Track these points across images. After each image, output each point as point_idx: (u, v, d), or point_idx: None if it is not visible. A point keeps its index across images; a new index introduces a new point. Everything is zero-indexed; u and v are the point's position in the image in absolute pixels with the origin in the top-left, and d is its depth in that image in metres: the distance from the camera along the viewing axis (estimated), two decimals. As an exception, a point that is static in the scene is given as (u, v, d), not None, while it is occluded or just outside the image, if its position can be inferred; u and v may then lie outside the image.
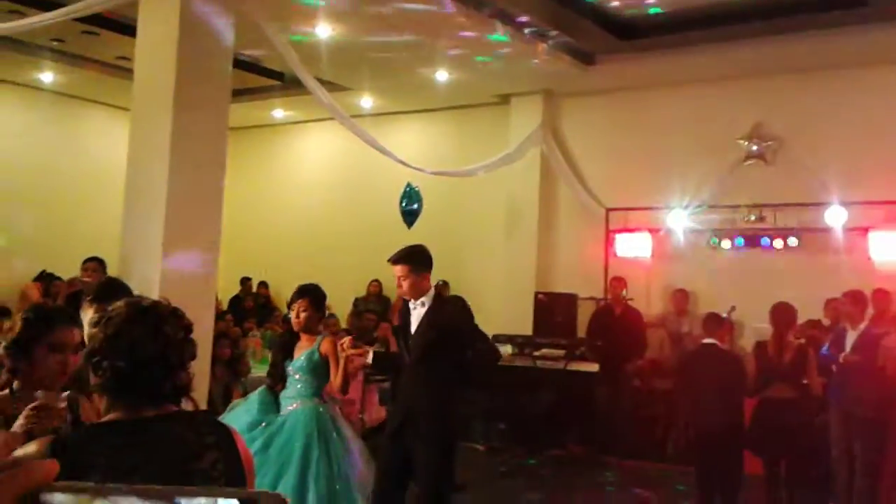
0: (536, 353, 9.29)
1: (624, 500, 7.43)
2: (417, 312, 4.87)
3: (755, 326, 8.20)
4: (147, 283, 6.34)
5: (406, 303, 4.99)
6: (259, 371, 8.04)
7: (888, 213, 8.87)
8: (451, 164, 10.67)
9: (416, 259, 4.93)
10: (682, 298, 9.72)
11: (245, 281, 12.95)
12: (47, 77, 11.64)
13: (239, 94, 10.36)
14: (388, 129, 11.89)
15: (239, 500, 0.77)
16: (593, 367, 9.11)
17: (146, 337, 1.84)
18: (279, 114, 13.35)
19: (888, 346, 7.11)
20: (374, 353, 7.20)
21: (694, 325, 9.37)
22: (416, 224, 10.16)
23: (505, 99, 11.46)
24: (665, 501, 7.36)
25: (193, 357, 1.95)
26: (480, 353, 5.06)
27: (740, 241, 9.64)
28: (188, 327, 1.97)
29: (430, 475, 4.67)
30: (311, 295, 5.19)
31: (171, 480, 1.70)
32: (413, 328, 4.86)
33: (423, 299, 4.85)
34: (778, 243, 9.42)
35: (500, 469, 8.23)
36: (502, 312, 10.32)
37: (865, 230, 8.98)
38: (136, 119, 6.87)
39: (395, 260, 4.92)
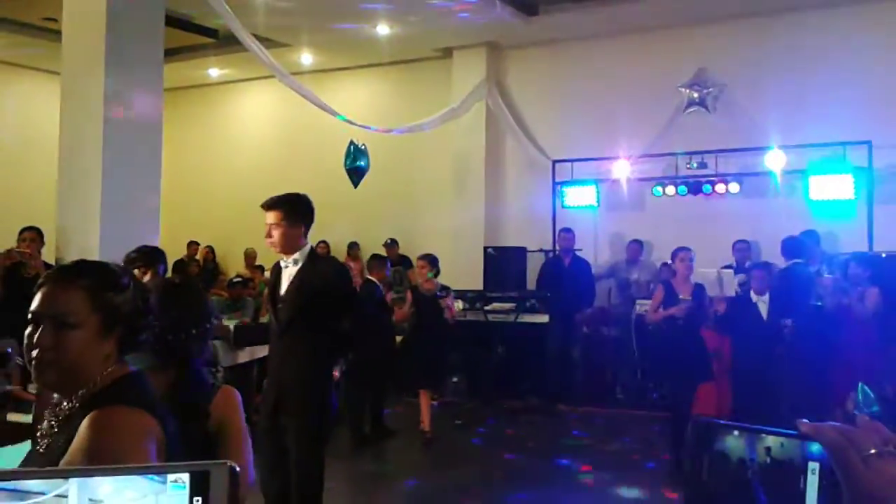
0: (487, 307, 9.34)
1: (576, 447, 7.58)
2: (289, 272, 4.28)
3: (701, 271, 8.36)
4: (86, 251, 6.17)
5: (278, 262, 4.39)
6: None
7: (824, 155, 9.05)
8: (396, 120, 10.55)
9: (293, 207, 4.27)
10: (636, 249, 9.86)
11: (192, 245, 12.69)
12: (-31, 41, 11.13)
13: (172, 53, 10.03)
14: (330, 85, 11.70)
15: (190, 472, 0.76)
16: (544, 318, 9.21)
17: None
18: (215, 72, 13.00)
19: None
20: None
21: (643, 274, 9.55)
22: (362, 182, 10.05)
23: (448, 52, 11.34)
24: (616, 443, 7.54)
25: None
26: (336, 336, 4.31)
27: (683, 188, 9.77)
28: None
29: (302, 460, 4.12)
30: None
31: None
32: (283, 290, 4.27)
33: (295, 256, 4.25)
34: (720, 188, 9.57)
35: (455, 422, 8.31)
36: (452, 268, 10.32)
37: (804, 173, 9.16)
38: (66, 82, 6.61)
39: (269, 205, 4.25)
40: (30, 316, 1.77)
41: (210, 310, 2.64)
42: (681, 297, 6.60)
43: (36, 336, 1.73)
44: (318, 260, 4.46)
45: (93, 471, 0.78)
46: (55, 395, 1.80)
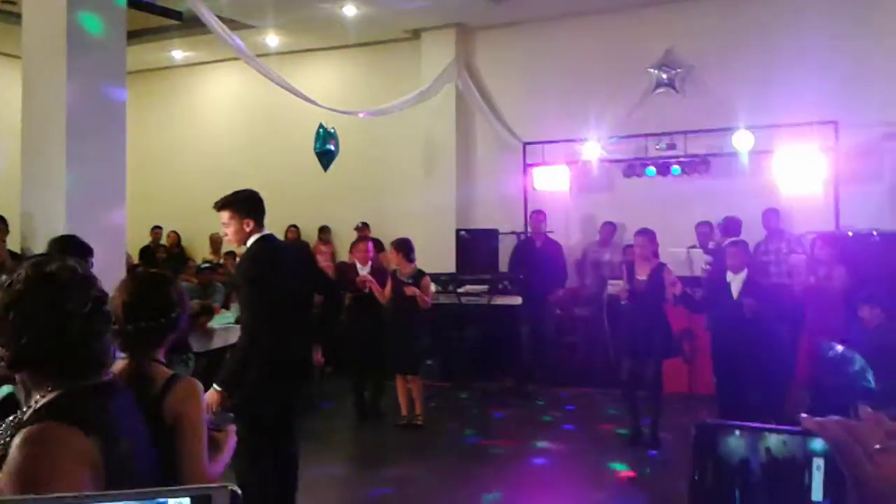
0: (460, 290, 9.34)
1: (551, 424, 7.64)
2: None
3: (670, 251, 8.44)
4: (49, 237, 6.05)
5: None
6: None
7: (791, 135, 9.16)
8: (365, 103, 10.46)
9: (239, 204, 4.41)
10: (609, 230, 9.91)
11: (155, 229, 12.53)
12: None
13: (135, 35, 9.81)
14: (297, 68, 11.55)
15: (191, 497, 0.74)
16: (516, 300, 9.23)
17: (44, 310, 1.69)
18: (179, 55, 12.77)
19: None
20: None
21: (615, 255, 9.60)
22: (332, 166, 9.96)
23: (416, 34, 11.25)
24: (590, 421, 7.61)
25: (104, 332, 1.79)
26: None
27: (651, 170, 9.83)
28: (99, 298, 1.78)
29: (238, 453, 3.91)
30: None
31: (141, 440, 1.80)
32: None
33: (245, 247, 4.45)
34: (688, 169, 9.64)
35: (430, 405, 8.32)
36: (425, 251, 10.24)
37: (772, 153, 9.26)
38: (27, 67, 6.44)
39: (220, 206, 4.43)
40: None
41: (174, 300, 2.51)
42: (638, 277, 6.69)
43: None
44: (255, 247, 4.40)
45: (92, 497, 0.76)
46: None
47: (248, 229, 4.37)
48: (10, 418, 1.68)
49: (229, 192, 4.48)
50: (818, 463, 0.76)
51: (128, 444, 1.68)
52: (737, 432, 0.80)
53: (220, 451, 2.46)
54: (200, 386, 2.43)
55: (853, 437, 0.75)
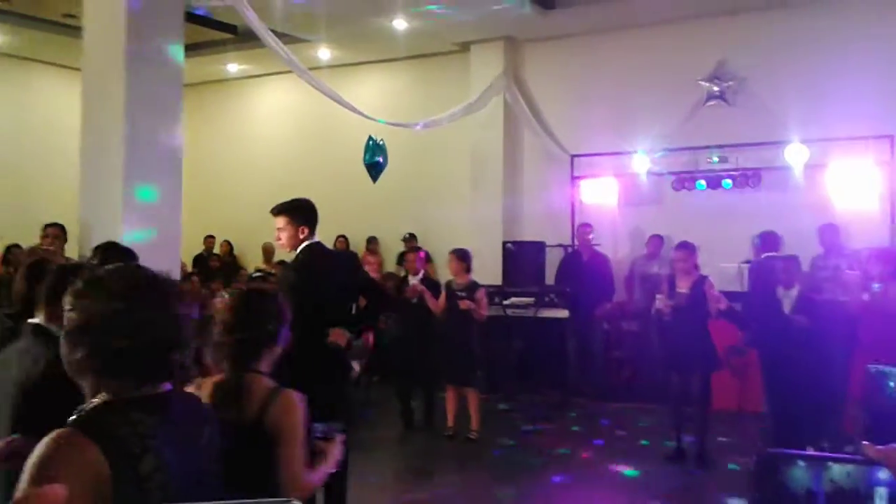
0: (506, 302, 9.33)
1: (590, 439, 7.57)
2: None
3: (720, 266, 8.32)
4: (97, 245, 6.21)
5: None
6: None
7: (845, 149, 8.97)
8: (413, 115, 10.54)
9: (296, 211, 4.58)
10: (657, 244, 9.80)
11: (208, 238, 12.77)
12: (-8, 38, 11.24)
13: (191, 48, 10.05)
14: (348, 80, 11.70)
15: None
16: (563, 314, 9.18)
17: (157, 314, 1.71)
18: (234, 68, 13.05)
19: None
20: None
21: (663, 268, 9.48)
22: (381, 177, 10.04)
23: (465, 47, 11.32)
24: (637, 438, 7.52)
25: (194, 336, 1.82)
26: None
27: (702, 184, 9.71)
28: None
29: None
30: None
31: (191, 457, 1.75)
32: None
33: (294, 253, 4.61)
34: (740, 183, 9.51)
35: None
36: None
37: (825, 167, 9.08)
38: (87, 79, 6.64)
39: (277, 211, 4.60)
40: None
41: (273, 313, 2.64)
42: (679, 290, 6.59)
43: None
44: (302, 255, 4.56)
45: None
46: None
47: (302, 236, 4.53)
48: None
49: (280, 201, 4.63)
50: (881, 492, 0.75)
51: (157, 460, 1.64)
52: (801, 463, 0.80)
53: (325, 460, 2.55)
54: (300, 398, 2.52)
55: None
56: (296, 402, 2.50)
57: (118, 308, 1.66)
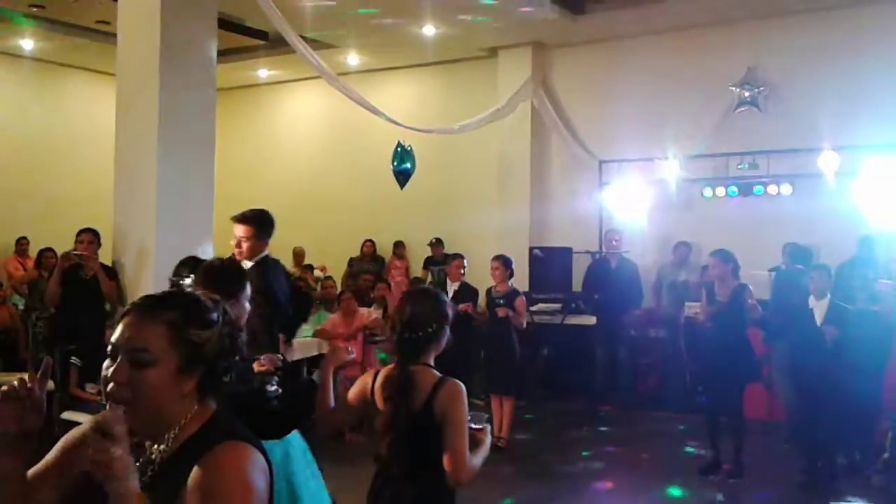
0: (533, 308, 9.30)
1: (619, 451, 7.52)
2: None
3: (751, 273, 8.23)
4: (143, 252, 6.29)
5: None
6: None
7: (879, 157, 8.84)
8: (441, 121, 10.56)
9: (264, 227, 4.69)
10: (683, 251, 9.73)
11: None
12: (28, 44, 11.41)
13: (222, 54, 10.15)
14: (376, 86, 11.76)
15: None
16: (590, 320, 9.14)
17: None
18: (264, 73, 13.16)
19: None
20: None
21: (691, 276, 9.42)
22: (408, 183, 10.07)
23: (493, 52, 11.33)
24: (666, 447, 7.47)
25: None
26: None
27: (734, 190, 9.63)
28: None
29: None
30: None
31: None
32: None
33: (249, 263, 4.57)
34: (771, 190, 9.42)
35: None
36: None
37: (856, 175, 8.95)
38: (121, 84, 6.73)
39: (242, 219, 4.61)
40: (109, 348, 1.63)
41: (437, 314, 2.91)
42: (718, 299, 6.54)
43: (111, 370, 1.60)
44: (263, 264, 4.62)
45: None
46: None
47: (262, 251, 4.64)
48: None
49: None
50: None
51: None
52: None
53: (480, 445, 2.78)
54: (463, 388, 2.78)
55: None
56: (459, 392, 2.75)
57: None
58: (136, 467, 1.59)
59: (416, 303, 2.94)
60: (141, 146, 6.41)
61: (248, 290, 3.18)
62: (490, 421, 2.93)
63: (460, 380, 2.81)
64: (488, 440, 2.84)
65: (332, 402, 3.03)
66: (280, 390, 3.22)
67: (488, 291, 7.58)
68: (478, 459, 2.75)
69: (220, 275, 3.15)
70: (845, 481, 6.29)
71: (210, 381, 1.66)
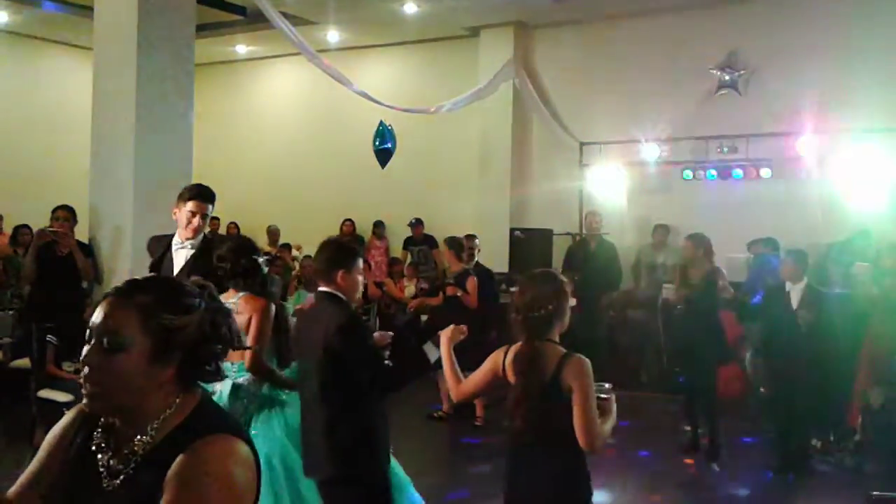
0: (513, 289, 9.31)
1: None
2: (184, 252, 4.46)
3: (728, 256, 8.30)
4: (119, 229, 6.23)
5: (163, 242, 4.54)
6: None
7: (857, 140, 8.90)
8: (422, 100, 10.50)
9: (214, 202, 4.67)
10: (662, 233, 9.78)
11: (212, 221, 12.61)
12: (1, 17, 11.20)
13: (200, 29, 10.01)
14: (356, 64, 11.67)
15: None
16: (570, 302, 9.15)
17: None
18: (242, 49, 13.01)
19: None
20: None
21: (669, 258, 9.47)
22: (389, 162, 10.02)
23: (475, 32, 11.26)
24: (644, 427, 7.53)
25: None
26: None
27: (713, 173, 9.68)
28: None
29: None
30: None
31: None
32: (176, 272, 4.37)
33: (195, 241, 4.49)
34: (751, 173, 9.47)
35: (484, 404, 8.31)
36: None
37: (835, 158, 9.01)
38: (99, 58, 6.63)
39: (209, 196, 4.57)
40: (87, 331, 1.59)
41: (556, 293, 3.08)
42: (691, 281, 6.59)
43: (86, 354, 1.56)
44: (205, 241, 4.57)
45: None
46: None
47: (208, 228, 4.67)
48: None
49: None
50: None
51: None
52: None
53: (608, 414, 3.00)
54: (588, 361, 2.97)
55: None
56: (585, 365, 2.94)
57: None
58: (120, 458, 1.58)
59: (538, 284, 3.13)
60: (118, 122, 6.34)
61: (360, 263, 3.52)
62: (614, 390, 3.10)
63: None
64: (615, 408, 3.04)
65: (461, 376, 3.27)
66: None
67: (443, 273, 7.63)
68: (607, 427, 2.97)
69: (337, 250, 3.50)
70: (819, 462, 6.38)
71: (191, 368, 1.62)
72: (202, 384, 1.68)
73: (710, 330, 6.52)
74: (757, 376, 8.09)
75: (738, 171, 9.52)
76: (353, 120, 11.41)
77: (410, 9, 10.29)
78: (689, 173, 9.82)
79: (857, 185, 8.89)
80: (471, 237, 8.14)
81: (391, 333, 3.81)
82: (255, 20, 10.22)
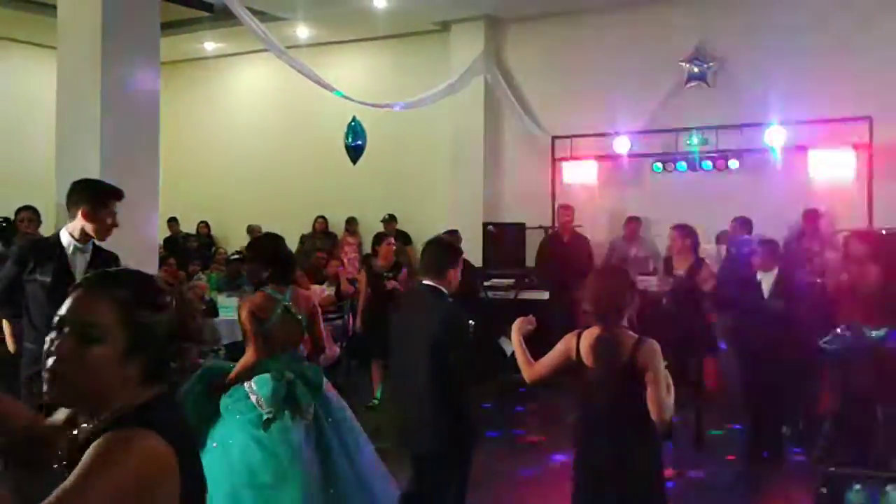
0: (487, 284, 9.33)
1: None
2: (84, 258, 4.18)
3: (700, 247, 8.34)
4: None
5: (57, 243, 4.20)
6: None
7: (825, 131, 9.02)
8: (393, 95, 10.46)
9: None
10: (634, 226, 9.83)
11: (170, 222, 12.41)
12: (-40, 16, 10.99)
13: (167, 26, 9.90)
14: (327, 60, 11.59)
15: None
16: (543, 295, 9.20)
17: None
18: (210, 46, 12.88)
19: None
20: None
21: (641, 250, 9.53)
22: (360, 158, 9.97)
23: (445, 26, 11.24)
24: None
25: None
26: None
27: (682, 165, 9.74)
28: None
29: None
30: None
31: None
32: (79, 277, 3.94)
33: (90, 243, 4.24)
34: (720, 165, 9.54)
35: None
36: (451, 244, 10.31)
37: (805, 149, 9.12)
38: (62, 58, 6.52)
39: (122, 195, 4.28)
40: (55, 320, 1.57)
41: (624, 287, 3.52)
42: (676, 272, 6.62)
43: (55, 343, 1.55)
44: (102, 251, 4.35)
45: None
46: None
47: None
48: None
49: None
50: None
51: (199, 461, 1.73)
52: (857, 486, 0.79)
53: (670, 390, 3.35)
54: (658, 345, 3.35)
55: None
56: (657, 348, 3.34)
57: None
58: (65, 444, 1.58)
59: (611, 278, 3.63)
60: (83, 122, 6.24)
61: (458, 267, 3.94)
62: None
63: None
64: (669, 382, 3.37)
65: (531, 360, 3.68)
66: None
67: (371, 264, 7.77)
68: (671, 400, 3.33)
69: (449, 249, 4.00)
70: (790, 450, 6.45)
71: (156, 365, 1.62)
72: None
73: (694, 321, 6.54)
74: (729, 366, 8.16)
75: (708, 163, 9.59)
76: (324, 116, 11.34)
77: (380, 3, 10.24)
78: (659, 166, 9.88)
79: (825, 173, 8.99)
80: (454, 233, 8.18)
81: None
82: (222, 16, 10.12)
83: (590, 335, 3.46)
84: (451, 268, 3.87)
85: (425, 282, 3.88)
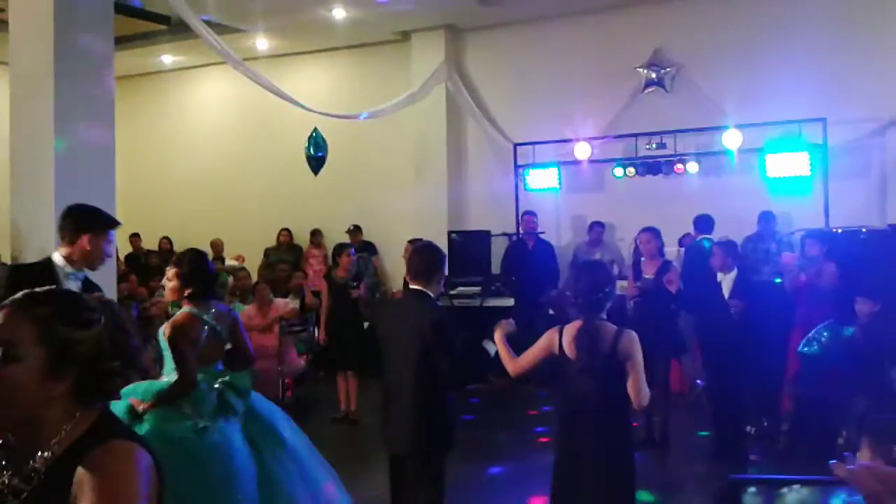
0: (452, 292, 9.34)
1: (542, 420, 7.64)
2: (76, 285, 4.02)
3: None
4: (42, 248, 6.02)
5: (48, 265, 4.00)
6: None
7: (780, 133, 9.17)
8: (354, 106, 10.45)
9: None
10: (598, 231, 9.91)
11: (133, 237, 12.31)
12: None
13: (123, 40, 9.81)
14: (287, 71, 11.54)
15: None
16: (509, 302, 9.23)
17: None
18: (168, 59, 12.74)
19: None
20: None
21: (605, 255, 9.60)
22: (323, 168, 9.93)
23: (406, 36, 11.25)
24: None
25: None
26: None
27: (642, 168, 9.84)
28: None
29: None
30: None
31: None
32: None
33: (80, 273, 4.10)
34: (679, 168, 9.66)
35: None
36: (416, 253, 10.30)
37: (759, 151, 9.27)
38: (15, 73, 6.40)
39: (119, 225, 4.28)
40: None
41: (605, 280, 3.74)
42: (644, 275, 6.69)
43: None
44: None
45: None
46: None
47: None
48: None
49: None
50: None
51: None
52: (752, 489, 0.80)
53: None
54: (636, 335, 3.54)
55: (884, 486, 0.75)
56: (635, 338, 3.54)
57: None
58: (19, 475, 1.56)
59: (591, 272, 3.81)
60: (36, 138, 6.13)
61: (445, 271, 4.13)
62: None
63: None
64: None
65: (514, 355, 3.84)
66: None
67: (333, 276, 7.76)
68: (648, 389, 3.54)
69: (437, 255, 4.08)
70: (753, 447, 6.53)
71: (88, 384, 1.61)
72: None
73: (663, 324, 6.61)
74: (693, 367, 8.27)
75: (667, 167, 9.70)
76: (286, 128, 11.28)
77: (339, 14, 10.22)
78: (619, 170, 9.97)
79: (780, 175, 9.14)
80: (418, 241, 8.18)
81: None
82: (180, 29, 10.02)
83: (572, 328, 3.64)
84: (438, 272, 4.00)
85: (413, 286, 3.99)
